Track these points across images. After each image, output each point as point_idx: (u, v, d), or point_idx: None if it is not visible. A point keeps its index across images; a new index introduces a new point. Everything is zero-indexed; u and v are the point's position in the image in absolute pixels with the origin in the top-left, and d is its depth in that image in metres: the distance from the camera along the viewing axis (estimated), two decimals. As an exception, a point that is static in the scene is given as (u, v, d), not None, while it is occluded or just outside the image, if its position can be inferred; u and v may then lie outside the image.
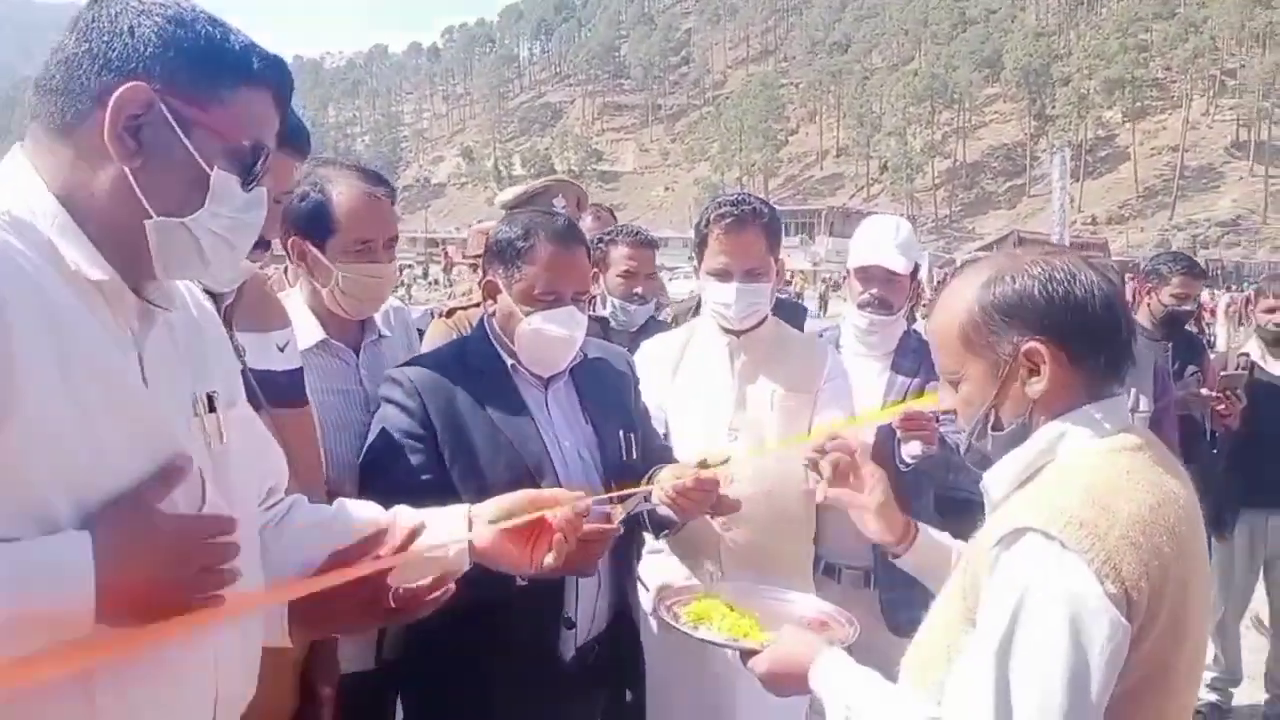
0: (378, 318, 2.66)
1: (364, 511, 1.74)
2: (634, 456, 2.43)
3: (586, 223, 4.79)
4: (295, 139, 2.07)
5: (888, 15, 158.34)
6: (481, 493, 1.90)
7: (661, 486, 2.22)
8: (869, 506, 2.00)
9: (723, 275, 2.86)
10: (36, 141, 1.31)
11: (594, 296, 3.59)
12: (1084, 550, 1.34)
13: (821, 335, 3.44)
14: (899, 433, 2.87)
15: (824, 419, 2.82)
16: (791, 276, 41.06)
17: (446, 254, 48.17)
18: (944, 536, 2.03)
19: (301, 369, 2.27)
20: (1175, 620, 1.40)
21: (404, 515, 1.75)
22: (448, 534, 1.75)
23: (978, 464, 1.63)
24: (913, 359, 3.22)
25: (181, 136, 1.29)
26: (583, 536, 1.80)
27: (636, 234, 4.03)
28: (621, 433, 2.44)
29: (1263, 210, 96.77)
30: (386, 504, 1.76)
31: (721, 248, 2.86)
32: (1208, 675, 4.82)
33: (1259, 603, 5.03)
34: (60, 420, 1.19)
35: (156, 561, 1.20)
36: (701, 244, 2.94)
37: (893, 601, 3.02)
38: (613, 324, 3.80)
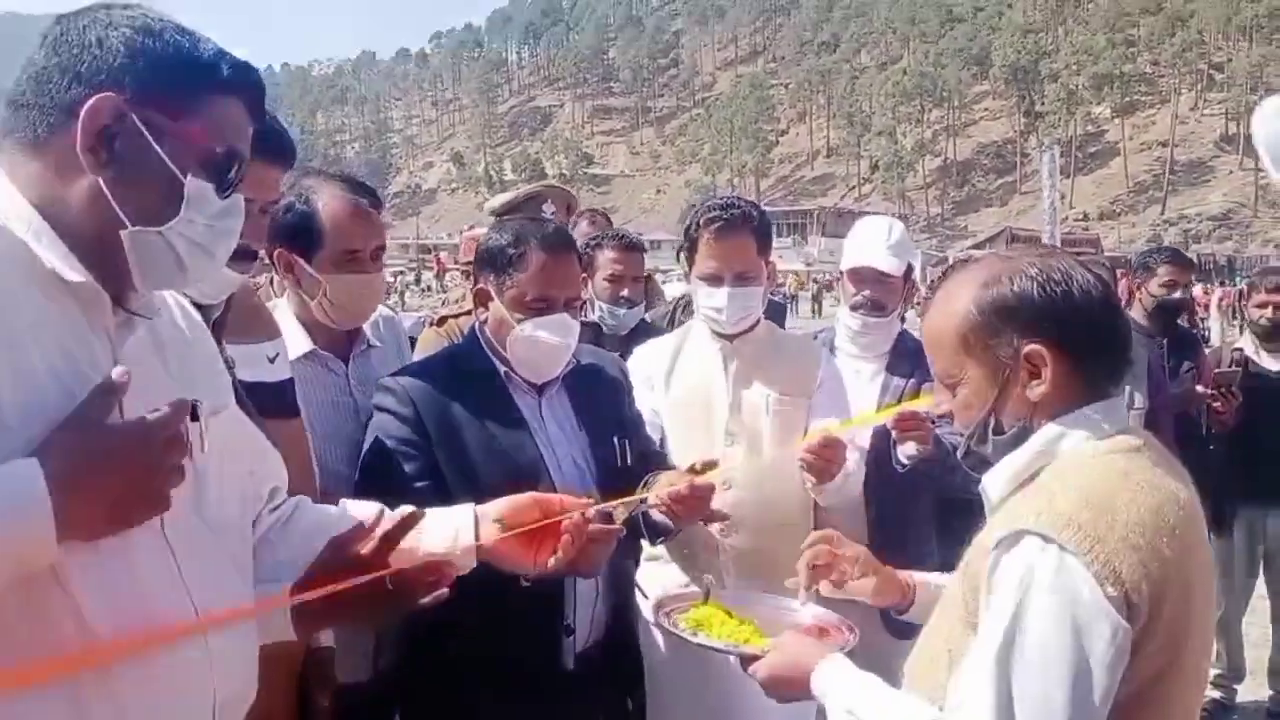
0: (367, 328, 2.64)
1: (368, 510, 1.76)
2: (628, 463, 2.42)
3: (582, 227, 4.76)
4: (279, 148, 2.05)
5: (875, 14, 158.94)
6: (477, 499, 1.90)
7: (656, 493, 2.21)
8: (866, 593, 2.00)
9: (714, 280, 2.85)
10: (10, 156, 1.32)
11: (584, 302, 3.56)
12: (1083, 553, 1.34)
13: (816, 337, 3.42)
14: (894, 434, 2.85)
15: (819, 423, 2.80)
16: (785, 279, 41.13)
17: (439, 260, 48.17)
18: (942, 578, 1.99)
19: (292, 380, 2.26)
20: (1178, 622, 1.39)
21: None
22: (454, 532, 1.78)
23: (975, 468, 1.62)
24: (908, 360, 3.20)
25: (154, 146, 1.30)
26: (587, 537, 1.84)
27: (623, 237, 4.00)
28: (615, 439, 2.43)
29: (1253, 204, 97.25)
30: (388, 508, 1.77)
31: (711, 252, 2.84)
32: (1211, 672, 4.80)
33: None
34: (17, 428, 1.17)
35: (110, 470, 1.18)
36: (691, 248, 2.92)
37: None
38: (603, 329, 3.78)
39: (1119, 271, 8.06)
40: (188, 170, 1.33)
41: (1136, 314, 4.74)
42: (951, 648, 1.49)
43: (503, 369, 2.35)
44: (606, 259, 3.83)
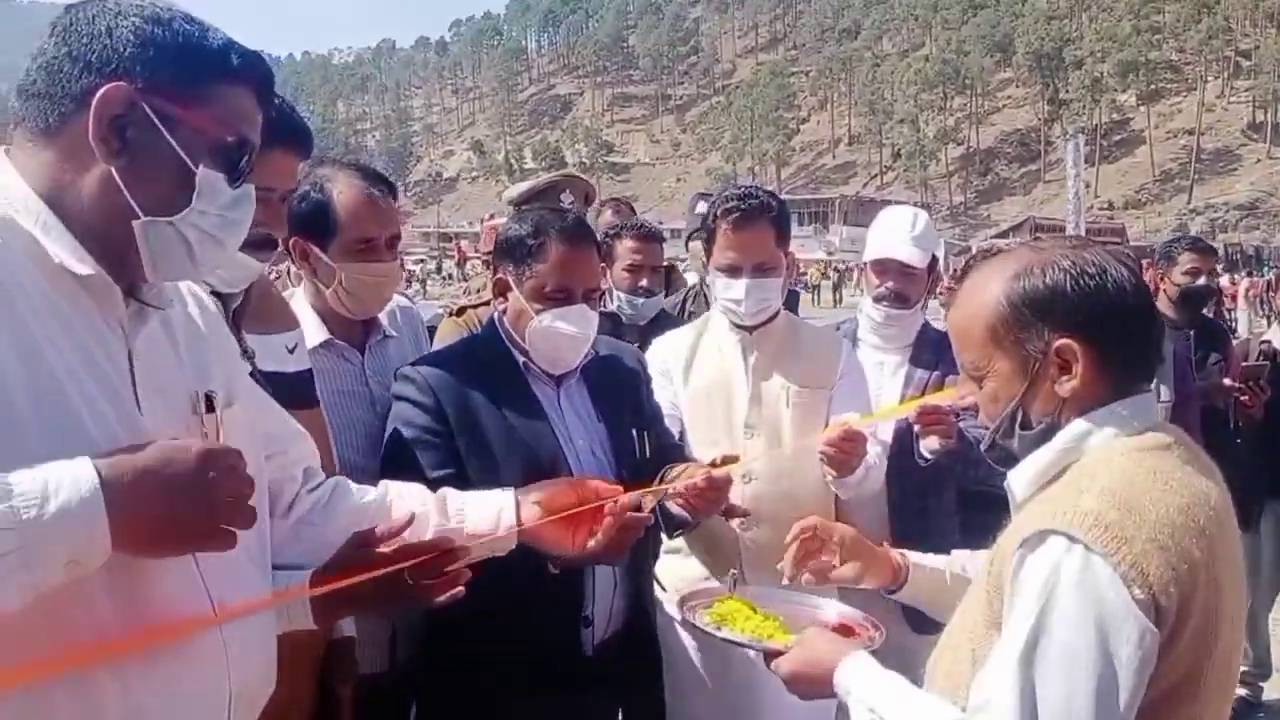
0: (383, 317, 2.63)
1: (411, 492, 1.81)
2: (646, 455, 2.41)
3: (606, 216, 4.75)
4: (299, 137, 2.06)
5: (897, 1, 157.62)
6: (498, 488, 1.94)
7: (674, 485, 2.21)
8: (848, 578, 1.98)
9: (732, 271, 2.82)
10: (20, 146, 1.32)
11: (603, 292, 3.55)
12: (1110, 554, 1.31)
13: (838, 328, 3.39)
14: (916, 428, 2.82)
15: (840, 415, 2.77)
16: (805, 269, 41.00)
17: (459, 249, 48.31)
18: (935, 560, 2.01)
19: (311, 370, 2.27)
20: (1206, 625, 1.36)
21: (451, 496, 1.83)
22: (497, 512, 1.84)
23: (1000, 462, 1.59)
24: (932, 352, 3.16)
25: (165, 135, 1.30)
26: (619, 524, 1.87)
27: (641, 227, 3.99)
28: (634, 430, 2.43)
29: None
30: None
31: (729, 243, 2.81)
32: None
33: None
34: (30, 422, 1.18)
35: (171, 484, 1.18)
36: (709, 239, 2.89)
37: (914, 600, 2.98)
38: (622, 319, 3.76)
39: (1144, 262, 7.97)
40: (199, 160, 1.33)
41: (1162, 305, 4.66)
42: (975, 646, 1.46)
43: (521, 359, 2.34)
44: (626, 249, 3.81)
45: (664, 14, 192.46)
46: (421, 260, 52.46)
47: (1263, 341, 4.87)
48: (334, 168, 2.48)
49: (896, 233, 3.16)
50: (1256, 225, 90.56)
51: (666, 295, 4.26)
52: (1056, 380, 1.48)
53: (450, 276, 41.24)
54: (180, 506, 1.19)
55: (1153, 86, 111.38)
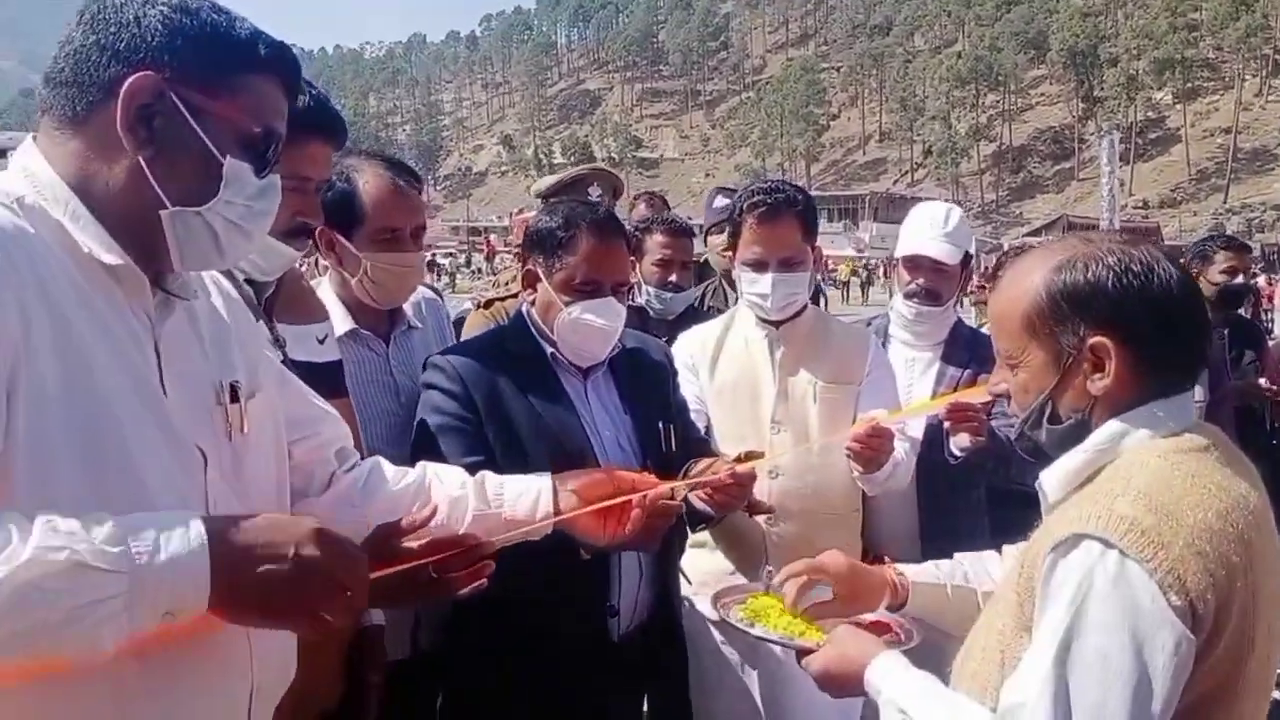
0: (409, 309, 2.65)
1: (449, 474, 1.83)
2: (672, 448, 2.41)
3: (639, 210, 4.75)
4: (332, 127, 2.07)
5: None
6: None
7: (698, 480, 2.20)
8: (836, 614, 1.92)
9: (758, 266, 2.81)
10: (48, 134, 1.32)
11: (632, 285, 3.55)
12: (1146, 560, 1.28)
13: (869, 324, 3.37)
14: (946, 425, 2.79)
15: (868, 411, 2.75)
16: (835, 265, 40.84)
17: (488, 243, 48.47)
18: (935, 575, 1.97)
19: (340, 361, 2.29)
20: (1243, 631, 1.33)
21: (490, 479, 1.84)
22: (535, 498, 1.85)
23: (1029, 453, 1.57)
24: (964, 350, 3.14)
25: (193, 125, 1.30)
26: (649, 512, 1.88)
27: (672, 222, 3.98)
28: (660, 423, 2.43)
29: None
30: None
31: (755, 238, 2.80)
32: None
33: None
34: (61, 410, 1.18)
35: (274, 557, 1.20)
36: (735, 234, 2.88)
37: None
38: (650, 313, 3.75)
39: (1179, 261, 7.86)
40: (226, 150, 1.32)
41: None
42: (1004, 649, 1.44)
43: (549, 350, 2.35)
44: (655, 243, 3.81)
45: (694, 9, 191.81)
46: (450, 254, 52.67)
47: (1300, 342, 4.80)
48: (360, 158, 2.50)
49: (929, 229, 3.14)
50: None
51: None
52: (1089, 377, 1.46)
53: (479, 271, 41.40)
54: (276, 580, 1.20)
55: (1189, 84, 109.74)
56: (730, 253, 2.96)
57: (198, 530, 1.15)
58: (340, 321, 2.44)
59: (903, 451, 2.75)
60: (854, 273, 43.51)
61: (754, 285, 2.82)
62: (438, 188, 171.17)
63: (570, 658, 2.21)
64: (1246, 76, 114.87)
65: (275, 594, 1.20)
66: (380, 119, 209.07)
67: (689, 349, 2.96)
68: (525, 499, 1.84)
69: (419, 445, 2.26)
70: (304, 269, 2.70)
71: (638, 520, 1.86)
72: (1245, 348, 4.70)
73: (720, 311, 3.44)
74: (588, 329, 2.29)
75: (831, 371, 2.86)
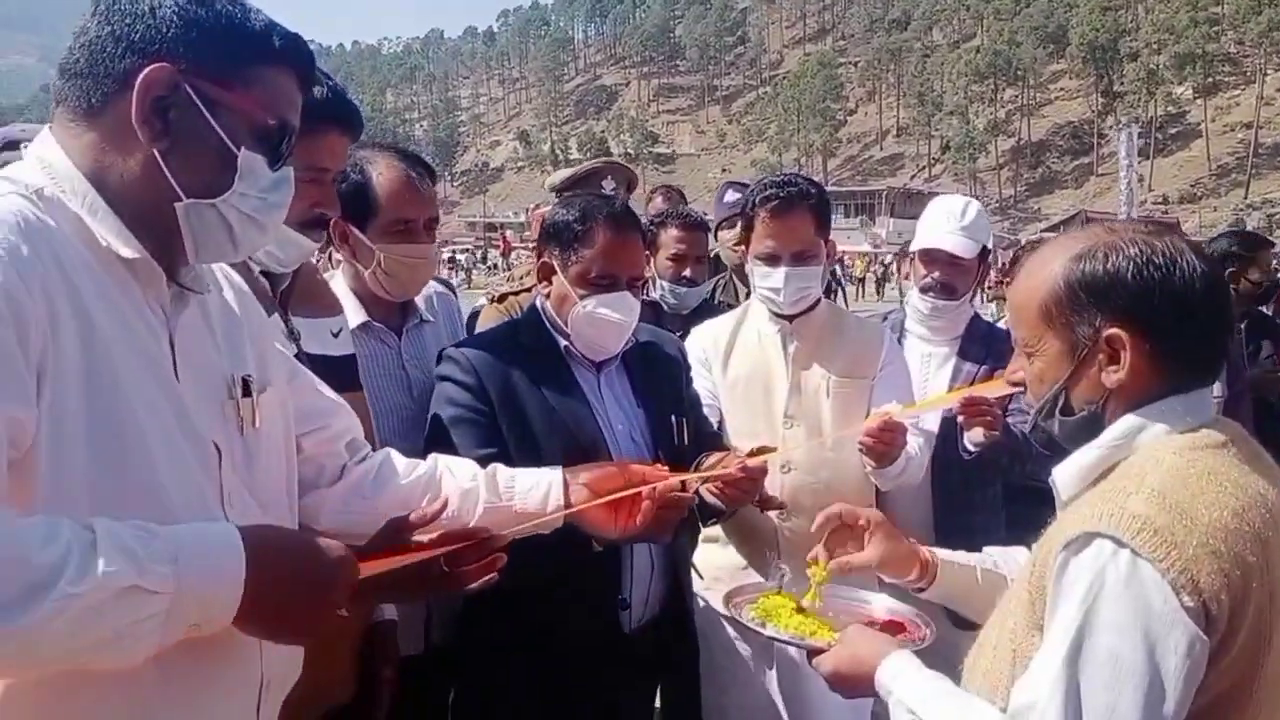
0: (421, 302, 2.65)
1: (460, 466, 1.83)
2: (685, 442, 2.41)
3: (656, 203, 4.75)
4: (350, 118, 2.07)
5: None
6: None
7: (709, 474, 2.20)
8: (871, 563, 1.93)
9: (771, 260, 2.80)
10: (63, 126, 1.32)
11: (646, 280, 3.55)
12: (1159, 559, 1.26)
13: (885, 319, 3.35)
14: (960, 419, 2.78)
15: (881, 406, 2.74)
16: (851, 260, 40.66)
17: (504, 238, 48.53)
18: (965, 557, 1.96)
19: (354, 355, 2.29)
20: (1259, 633, 1.30)
21: (501, 472, 1.85)
22: (546, 490, 1.85)
23: (1043, 444, 1.55)
24: (980, 345, 3.12)
25: (208, 117, 1.30)
26: (660, 503, 1.89)
27: (687, 216, 3.96)
28: (673, 417, 2.43)
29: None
30: None
31: (768, 231, 2.79)
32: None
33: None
34: (82, 400, 1.19)
35: (305, 581, 1.24)
36: (748, 227, 2.87)
37: (954, 594, 2.94)
38: (664, 307, 3.75)
39: (1207, 253, 7.83)
40: (241, 142, 1.32)
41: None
42: (1016, 647, 1.42)
43: (563, 344, 2.35)
44: (670, 238, 3.80)
45: (711, 4, 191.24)
46: (467, 250, 52.74)
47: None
48: (373, 150, 2.50)
49: (945, 223, 3.12)
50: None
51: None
52: (1104, 369, 1.43)
53: (495, 266, 41.45)
54: (300, 602, 1.23)
55: (1210, 79, 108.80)
56: (743, 247, 2.95)
57: (238, 551, 1.18)
58: (353, 314, 2.44)
59: (916, 447, 2.73)
60: (868, 268, 43.19)
61: (766, 279, 2.81)
62: (454, 183, 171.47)
63: (582, 651, 2.22)
64: (1268, 71, 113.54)
65: (289, 617, 1.24)
66: (397, 115, 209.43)
67: (702, 343, 2.96)
68: (536, 492, 1.84)
69: (432, 438, 2.26)
70: (318, 262, 2.70)
71: (648, 512, 1.86)
72: (1261, 339, 4.67)
73: (731, 307, 3.43)
74: (602, 323, 2.29)
75: (845, 366, 2.85)
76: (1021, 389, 1.60)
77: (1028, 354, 1.53)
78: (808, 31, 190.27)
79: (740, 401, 2.87)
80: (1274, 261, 5.14)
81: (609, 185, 3.68)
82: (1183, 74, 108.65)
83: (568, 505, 1.83)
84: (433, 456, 1.86)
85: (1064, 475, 1.50)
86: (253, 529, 1.24)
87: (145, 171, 1.29)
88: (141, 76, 1.26)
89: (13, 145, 2.13)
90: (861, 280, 40.21)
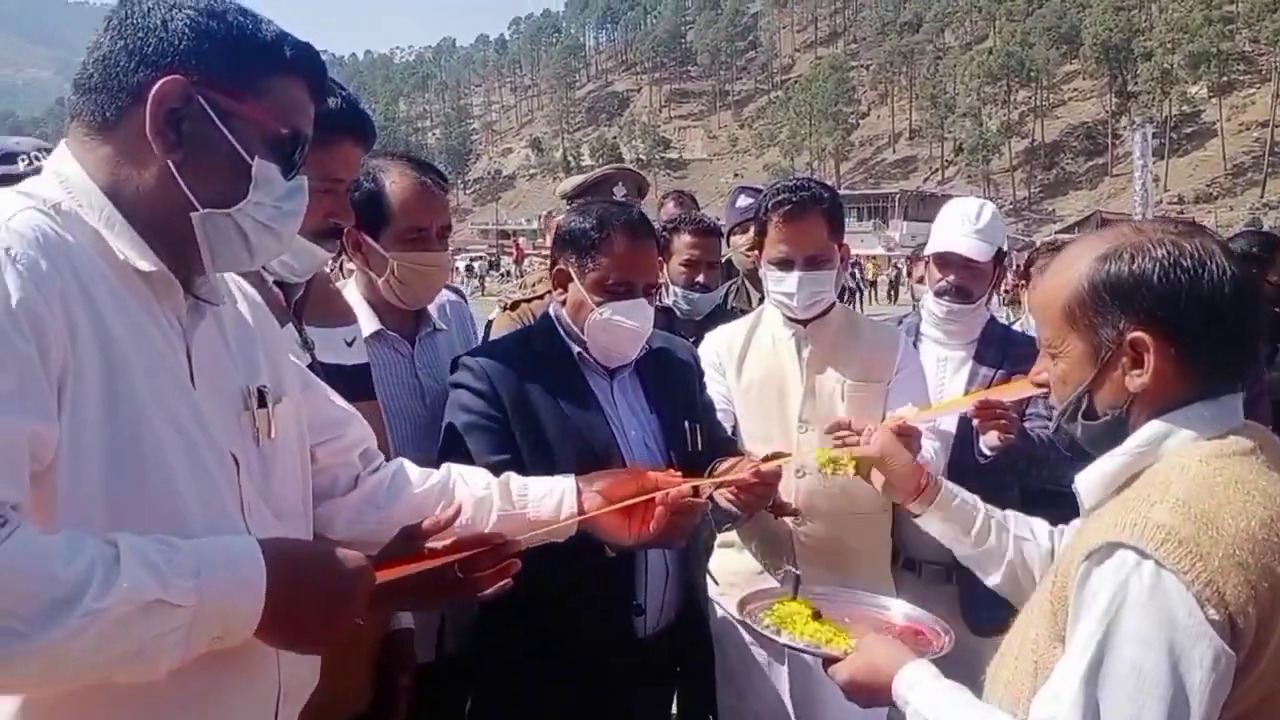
0: (433, 310, 2.66)
1: (474, 475, 1.84)
2: (698, 447, 2.41)
3: (668, 209, 4.74)
4: (364, 128, 2.08)
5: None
6: (551, 475, 1.95)
7: (722, 479, 2.20)
8: (870, 454, 2.00)
9: (784, 264, 2.79)
10: (79, 140, 1.33)
11: (659, 286, 3.55)
12: (1184, 571, 1.22)
13: (900, 322, 3.33)
14: (975, 423, 2.76)
15: (897, 409, 2.73)
16: (866, 264, 40.50)
17: (518, 246, 48.62)
18: (972, 498, 1.98)
19: (369, 365, 2.30)
20: None
21: (514, 480, 1.86)
22: (560, 498, 1.86)
23: (1067, 447, 1.54)
24: (997, 349, 3.10)
25: (221, 128, 1.31)
26: (674, 509, 1.88)
27: (700, 222, 3.96)
28: (686, 423, 2.42)
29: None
30: None
31: (781, 236, 2.79)
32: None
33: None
34: (101, 413, 1.20)
35: (324, 591, 1.26)
36: (761, 232, 2.86)
37: (974, 599, 2.92)
38: (677, 313, 3.74)
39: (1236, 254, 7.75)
40: (254, 152, 1.33)
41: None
42: (1038, 659, 1.39)
43: (576, 350, 2.35)
44: (683, 243, 3.79)
45: (722, 9, 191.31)
46: (480, 257, 52.87)
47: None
48: (386, 159, 2.51)
49: (960, 225, 3.10)
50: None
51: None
52: (1127, 373, 1.40)
53: (508, 274, 41.55)
54: (319, 612, 1.25)
55: (1225, 78, 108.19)
56: (756, 252, 2.94)
57: (259, 564, 1.19)
58: (366, 323, 2.45)
59: (931, 451, 2.72)
60: (879, 271, 42.85)
61: (780, 284, 2.80)
62: (467, 191, 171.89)
63: (597, 657, 2.22)
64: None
65: (308, 628, 1.26)
66: (410, 123, 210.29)
67: (716, 348, 2.95)
68: (549, 499, 1.85)
69: (446, 445, 2.26)
70: (330, 271, 2.71)
71: (662, 518, 1.86)
72: (1277, 342, 4.63)
73: (744, 312, 3.42)
74: (619, 329, 2.29)
75: (860, 369, 2.83)
76: (1045, 390, 1.58)
77: (1051, 355, 1.51)
78: (819, 35, 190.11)
79: (755, 406, 2.85)
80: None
81: (620, 191, 3.68)
82: (1197, 73, 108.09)
83: (581, 512, 1.83)
84: (446, 465, 1.87)
85: (1087, 482, 1.47)
86: (273, 541, 1.25)
87: (160, 183, 1.30)
88: (154, 89, 1.27)
89: (10, 158, 2.16)
90: (873, 283, 40.04)
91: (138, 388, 1.23)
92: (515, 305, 3.44)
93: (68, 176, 1.31)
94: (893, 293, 38.61)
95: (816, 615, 1.97)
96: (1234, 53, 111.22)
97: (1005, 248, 3.21)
